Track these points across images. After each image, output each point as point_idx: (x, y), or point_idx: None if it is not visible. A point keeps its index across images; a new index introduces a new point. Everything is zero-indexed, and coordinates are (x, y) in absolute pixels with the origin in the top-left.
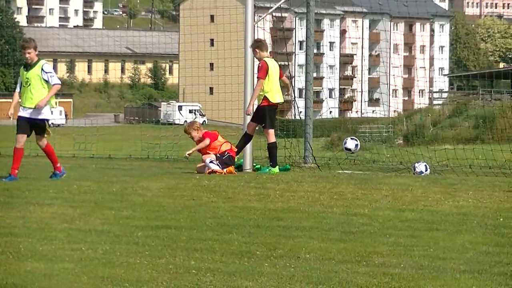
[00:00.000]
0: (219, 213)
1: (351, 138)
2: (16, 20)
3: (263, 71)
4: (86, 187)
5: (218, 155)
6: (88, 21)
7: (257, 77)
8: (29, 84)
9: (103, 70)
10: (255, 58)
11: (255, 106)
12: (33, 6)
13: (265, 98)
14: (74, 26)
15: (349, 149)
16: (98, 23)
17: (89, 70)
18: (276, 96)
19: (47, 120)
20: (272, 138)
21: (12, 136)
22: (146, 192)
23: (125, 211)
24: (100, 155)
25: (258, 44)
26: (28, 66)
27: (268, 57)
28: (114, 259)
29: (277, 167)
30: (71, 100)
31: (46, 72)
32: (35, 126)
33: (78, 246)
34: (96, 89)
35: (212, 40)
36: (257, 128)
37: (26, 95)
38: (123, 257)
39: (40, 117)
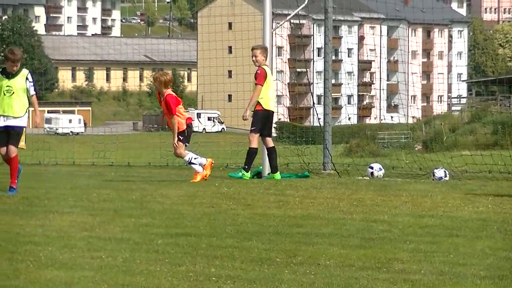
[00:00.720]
0: (239, 220)
1: (378, 164)
2: (34, 28)
3: (262, 77)
4: (106, 195)
5: (182, 133)
6: (106, 29)
7: (256, 84)
8: (12, 93)
9: (122, 78)
10: (254, 62)
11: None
12: (51, 15)
13: (259, 103)
14: (92, 34)
15: (371, 167)
16: (116, 31)
17: (108, 78)
18: (270, 103)
19: (24, 127)
20: (255, 144)
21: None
22: (165, 200)
23: (144, 218)
24: (119, 163)
25: (266, 52)
26: (10, 74)
27: (266, 65)
28: (134, 267)
29: (250, 173)
30: (90, 108)
31: (30, 82)
32: (9, 133)
33: (98, 254)
34: (114, 97)
35: (230, 47)
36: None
37: (9, 103)
38: (143, 264)
39: (19, 124)
